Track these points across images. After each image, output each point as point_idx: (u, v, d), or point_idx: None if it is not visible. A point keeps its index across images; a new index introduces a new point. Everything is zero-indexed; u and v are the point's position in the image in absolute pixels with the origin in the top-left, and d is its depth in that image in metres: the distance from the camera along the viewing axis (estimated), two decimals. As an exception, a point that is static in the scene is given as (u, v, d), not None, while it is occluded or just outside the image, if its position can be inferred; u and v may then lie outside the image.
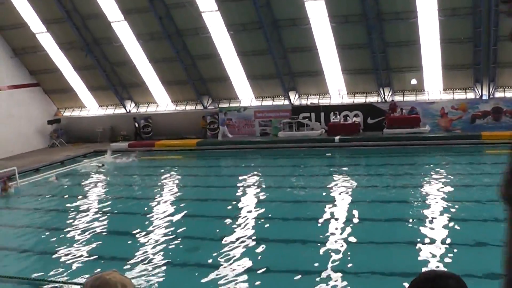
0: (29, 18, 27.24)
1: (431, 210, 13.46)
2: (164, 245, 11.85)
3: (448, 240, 10.93)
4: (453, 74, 24.32)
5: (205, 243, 11.90)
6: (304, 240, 11.55)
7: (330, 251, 10.77)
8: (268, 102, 27.73)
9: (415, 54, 23.97)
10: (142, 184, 19.82)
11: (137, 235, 12.69)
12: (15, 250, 12.43)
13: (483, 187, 15.25)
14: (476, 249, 10.46)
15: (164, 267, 10.51)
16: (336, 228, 12.34)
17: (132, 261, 10.86)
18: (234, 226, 13.01)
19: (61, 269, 10.70)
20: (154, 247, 11.72)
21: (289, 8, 23.68)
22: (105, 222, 14.31)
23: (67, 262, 11.15)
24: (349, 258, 10.43)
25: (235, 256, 10.83)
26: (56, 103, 31.27)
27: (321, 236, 11.73)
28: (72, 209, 15.97)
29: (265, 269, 10.09)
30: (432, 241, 10.94)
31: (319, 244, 11.16)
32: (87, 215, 15.12)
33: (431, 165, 19.10)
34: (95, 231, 13.47)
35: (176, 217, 14.31)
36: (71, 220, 14.64)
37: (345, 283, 9.27)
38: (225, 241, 11.79)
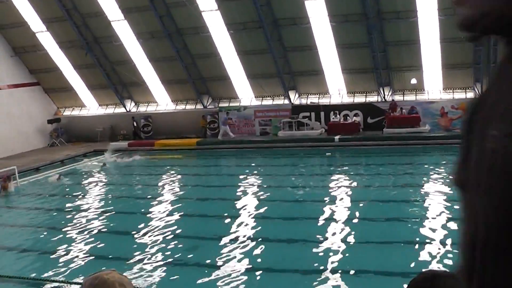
0: (29, 17, 27.24)
1: (431, 210, 13.46)
2: (164, 245, 11.85)
3: (448, 240, 10.92)
4: (453, 73, 24.32)
5: (205, 243, 11.89)
6: (304, 239, 11.54)
7: (330, 250, 10.77)
8: (268, 102, 27.72)
9: (415, 54, 23.96)
10: (142, 183, 19.79)
11: (137, 235, 12.68)
12: (15, 249, 12.43)
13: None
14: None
15: (164, 267, 10.51)
16: (336, 228, 12.33)
17: (132, 260, 10.86)
18: (234, 225, 13.00)
19: (60, 269, 10.70)
20: (153, 247, 11.72)
21: (289, 7, 23.67)
22: (104, 222, 14.31)
23: (67, 261, 11.14)
24: (349, 258, 10.43)
25: (235, 255, 10.83)
26: (56, 102, 31.26)
27: (321, 236, 11.72)
28: (72, 209, 15.97)
29: (265, 269, 10.08)
30: (432, 241, 10.93)
31: (319, 244, 11.16)
32: (87, 214, 15.11)
33: (431, 165, 19.10)
34: (95, 230, 13.47)
35: (176, 217, 14.31)
36: (71, 220, 14.63)
37: (345, 283, 9.27)
38: (225, 240, 11.79)
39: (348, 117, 25.68)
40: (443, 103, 24.52)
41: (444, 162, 19.71)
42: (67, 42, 27.65)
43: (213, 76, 27.34)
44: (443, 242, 10.81)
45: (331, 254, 10.58)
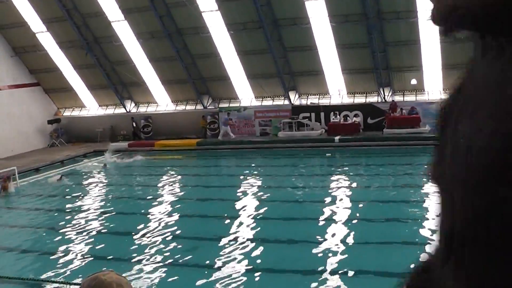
0: (29, 17, 27.24)
1: (431, 210, 13.44)
2: (164, 245, 11.84)
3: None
4: (453, 73, 24.26)
5: (204, 243, 11.88)
6: (304, 240, 11.53)
7: (329, 251, 10.76)
8: (268, 102, 27.72)
9: (415, 54, 23.95)
10: (142, 184, 19.80)
11: (137, 235, 12.67)
12: (14, 250, 12.42)
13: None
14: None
15: (164, 268, 10.50)
16: (336, 228, 12.33)
17: (132, 261, 10.85)
18: (234, 226, 12.99)
19: (60, 269, 10.69)
20: (153, 247, 11.71)
21: (290, 7, 23.67)
22: (104, 222, 14.31)
23: (67, 262, 11.14)
24: (348, 258, 10.42)
25: (234, 256, 10.82)
26: (56, 102, 31.27)
27: (320, 236, 11.72)
28: (72, 209, 15.97)
29: (265, 269, 10.08)
30: (432, 241, 10.92)
31: (318, 244, 11.15)
32: (87, 215, 15.11)
33: (431, 165, 19.06)
34: (95, 231, 13.47)
35: (175, 217, 14.31)
36: (71, 220, 14.63)
37: (344, 283, 9.27)
38: (225, 241, 11.78)
39: (348, 118, 25.67)
40: (443, 103, 24.47)
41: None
42: (67, 42, 27.66)
43: (213, 76, 27.34)
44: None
45: (331, 254, 10.57)
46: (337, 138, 24.16)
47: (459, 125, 0.57)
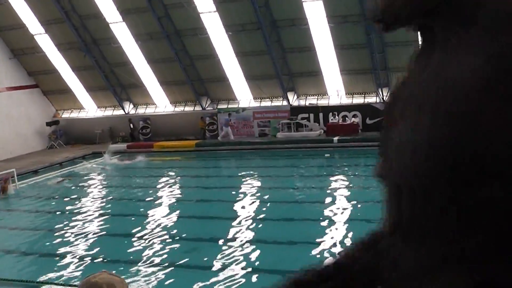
0: (27, 19, 27.23)
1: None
2: (163, 247, 11.83)
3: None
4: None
5: (203, 245, 11.87)
6: (303, 241, 11.52)
7: (329, 252, 10.75)
8: (266, 103, 27.72)
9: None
10: (141, 185, 19.78)
11: (136, 237, 12.66)
12: (13, 252, 12.41)
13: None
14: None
15: (163, 269, 10.49)
16: (336, 229, 12.33)
17: (131, 262, 10.84)
18: (233, 227, 12.99)
19: (59, 271, 10.68)
20: (152, 249, 11.70)
21: (288, 8, 23.67)
22: (103, 224, 14.29)
23: (66, 264, 11.12)
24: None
25: (234, 257, 10.81)
26: (55, 104, 31.24)
27: (320, 237, 11.72)
28: (71, 211, 15.94)
29: (264, 270, 10.06)
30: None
31: (318, 245, 11.15)
32: (86, 216, 15.09)
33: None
34: (94, 232, 13.45)
35: (175, 218, 14.30)
36: (70, 222, 14.61)
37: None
38: (224, 242, 11.77)
39: (347, 118, 25.67)
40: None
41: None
42: (66, 44, 27.64)
43: (211, 77, 27.34)
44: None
45: (330, 255, 10.56)
46: (335, 138, 24.16)
47: (402, 122, 0.59)
